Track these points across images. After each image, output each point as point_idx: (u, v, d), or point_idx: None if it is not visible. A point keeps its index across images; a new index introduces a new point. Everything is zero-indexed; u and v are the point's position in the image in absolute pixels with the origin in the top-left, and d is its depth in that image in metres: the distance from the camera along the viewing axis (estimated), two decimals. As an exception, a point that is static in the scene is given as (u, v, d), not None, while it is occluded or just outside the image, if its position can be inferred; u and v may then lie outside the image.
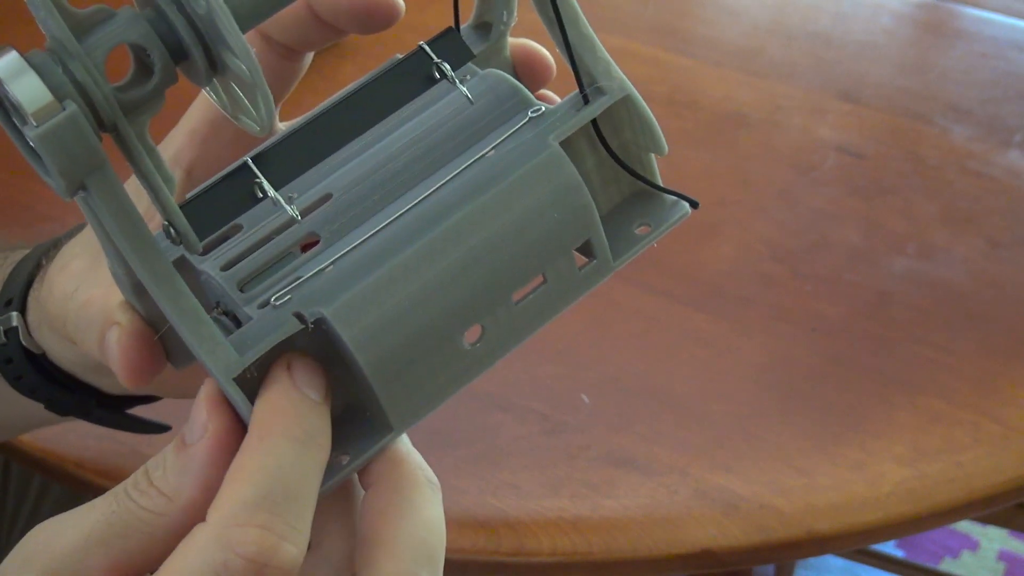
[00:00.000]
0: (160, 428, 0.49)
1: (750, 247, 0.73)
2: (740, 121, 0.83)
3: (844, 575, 1.42)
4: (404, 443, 0.31)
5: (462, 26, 0.38)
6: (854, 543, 0.60)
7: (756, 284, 0.71)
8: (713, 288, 0.71)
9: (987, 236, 0.74)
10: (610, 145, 0.34)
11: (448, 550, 0.56)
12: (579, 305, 0.76)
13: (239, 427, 0.29)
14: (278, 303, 0.30)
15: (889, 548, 1.44)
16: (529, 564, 0.58)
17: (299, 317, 0.29)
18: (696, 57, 0.89)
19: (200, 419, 0.29)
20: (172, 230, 0.29)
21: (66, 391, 0.45)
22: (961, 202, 0.76)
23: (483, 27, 0.38)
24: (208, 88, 0.31)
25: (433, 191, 0.32)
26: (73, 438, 0.63)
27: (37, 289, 0.43)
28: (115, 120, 0.28)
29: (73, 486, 0.62)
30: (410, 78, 0.35)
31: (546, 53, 0.39)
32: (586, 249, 0.33)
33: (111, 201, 0.28)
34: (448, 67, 0.35)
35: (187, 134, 0.41)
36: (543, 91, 0.39)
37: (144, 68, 0.29)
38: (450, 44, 0.36)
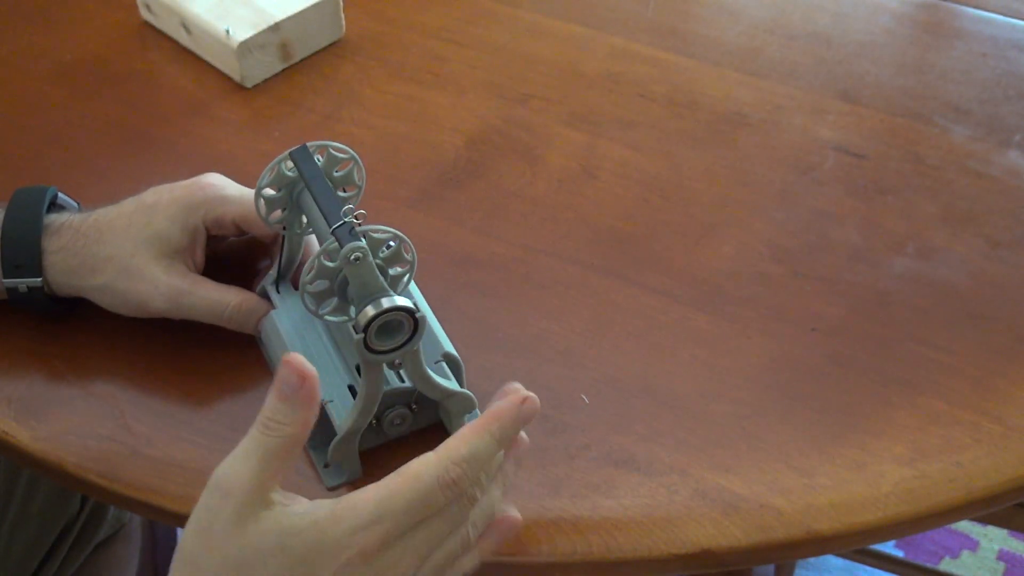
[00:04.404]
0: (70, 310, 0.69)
1: (750, 247, 0.73)
2: (740, 121, 0.83)
3: (844, 575, 1.42)
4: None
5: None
6: (854, 543, 0.60)
7: (756, 284, 0.71)
8: (713, 288, 0.71)
9: (987, 236, 0.74)
10: None
11: (448, 550, 0.56)
12: (579, 305, 0.77)
13: None
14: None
15: (889, 548, 1.44)
16: (529, 564, 0.58)
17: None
18: (696, 57, 0.89)
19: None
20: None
21: (49, 301, 0.67)
22: (961, 202, 0.76)
23: None
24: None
25: None
26: (73, 438, 0.63)
27: (66, 249, 0.65)
28: None
29: (73, 486, 0.62)
30: None
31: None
32: None
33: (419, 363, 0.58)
34: None
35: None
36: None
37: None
38: None
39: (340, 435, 0.58)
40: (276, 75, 0.88)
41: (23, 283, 0.65)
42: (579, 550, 0.58)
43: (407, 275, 0.57)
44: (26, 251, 0.64)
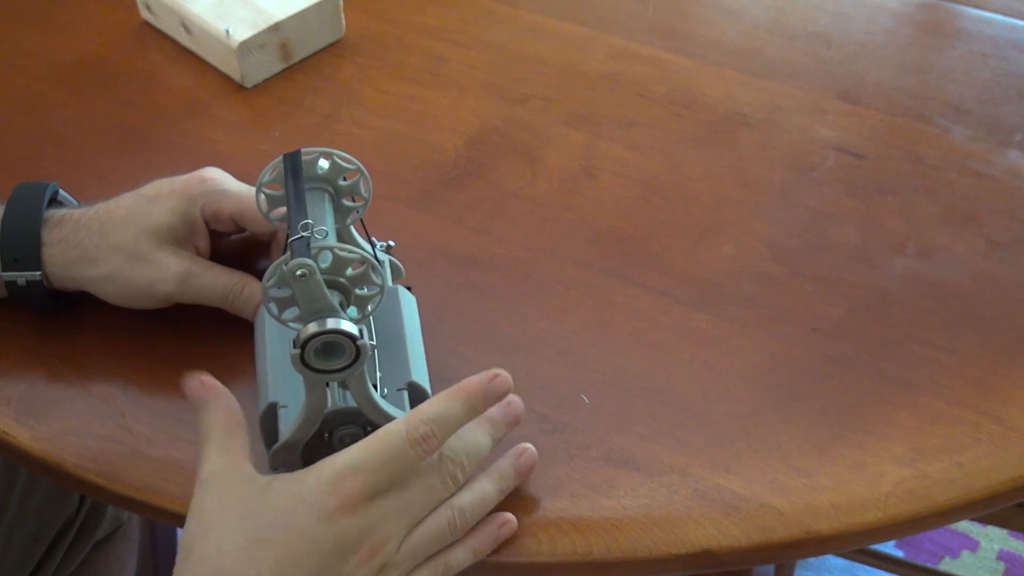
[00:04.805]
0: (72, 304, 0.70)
1: (750, 247, 0.73)
2: (740, 121, 0.83)
3: (844, 575, 1.42)
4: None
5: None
6: (854, 543, 0.60)
7: (756, 284, 0.71)
8: (713, 288, 0.71)
9: (987, 236, 0.74)
10: None
11: (448, 550, 0.56)
12: (579, 305, 0.77)
13: None
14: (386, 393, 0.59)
15: (889, 548, 1.44)
16: (529, 564, 0.58)
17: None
18: (696, 57, 0.89)
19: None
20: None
21: (48, 297, 0.67)
22: (961, 202, 0.76)
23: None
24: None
25: None
26: (73, 438, 0.63)
27: (66, 240, 0.65)
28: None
29: (73, 486, 0.62)
30: None
31: None
32: None
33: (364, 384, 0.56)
34: None
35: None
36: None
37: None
38: None
39: (279, 442, 0.57)
40: (276, 75, 0.88)
41: (21, 276, 0.65)
42: (579, 550, 0.58)
43: (376, 298, 0.55)
44: (25, 244, 0.65)
